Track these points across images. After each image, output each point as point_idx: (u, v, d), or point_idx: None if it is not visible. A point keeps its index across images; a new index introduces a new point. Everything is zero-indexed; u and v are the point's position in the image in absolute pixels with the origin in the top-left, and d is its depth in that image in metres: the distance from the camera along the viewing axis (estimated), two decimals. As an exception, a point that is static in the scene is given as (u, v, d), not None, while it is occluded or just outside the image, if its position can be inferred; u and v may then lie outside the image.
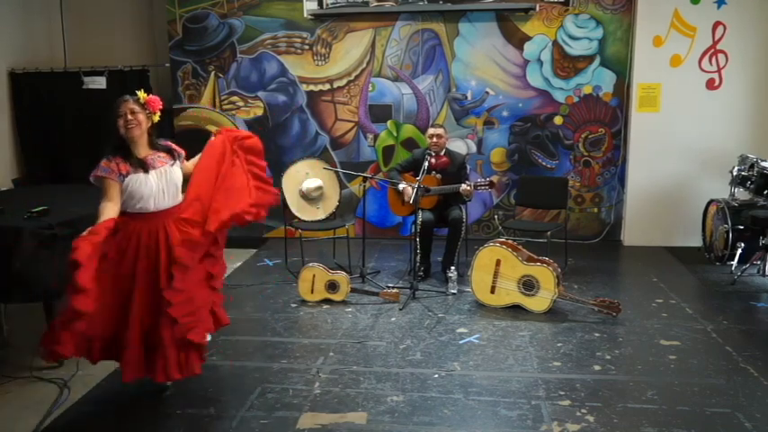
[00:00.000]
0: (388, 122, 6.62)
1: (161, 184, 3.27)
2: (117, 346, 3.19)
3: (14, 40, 6.51)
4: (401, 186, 5.20)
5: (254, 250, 6.38)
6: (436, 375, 3.63)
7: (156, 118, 3.33)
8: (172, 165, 3.36)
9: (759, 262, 5.29)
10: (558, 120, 6.43)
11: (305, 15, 6.48)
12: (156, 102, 3.32)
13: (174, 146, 3.49)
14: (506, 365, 3.76)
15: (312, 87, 6.63)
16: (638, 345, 4.05)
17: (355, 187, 6.67)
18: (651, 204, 6.34)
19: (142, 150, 3.29)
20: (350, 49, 6.53)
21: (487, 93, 6.46)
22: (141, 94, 3.29)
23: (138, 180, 3.20)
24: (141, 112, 3.24)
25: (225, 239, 3.48)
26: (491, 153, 6.55)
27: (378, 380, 3.58)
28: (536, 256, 4.64)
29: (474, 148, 6.56)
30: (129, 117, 3.20)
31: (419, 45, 6.46)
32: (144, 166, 3.23)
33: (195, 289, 3.25)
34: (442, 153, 5.37)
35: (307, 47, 6.57)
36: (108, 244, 3.09)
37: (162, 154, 3.36)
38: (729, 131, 6.15)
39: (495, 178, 5.34)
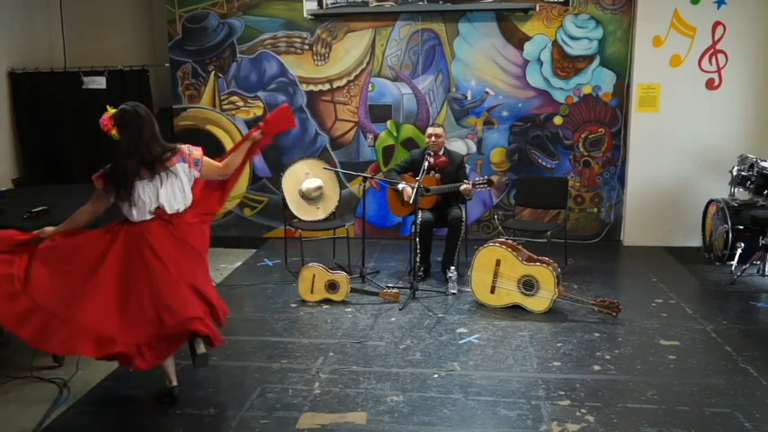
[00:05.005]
0: (388, 122, 6.62)
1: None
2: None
3: (14, 40, 6.52)
4: (401, 186, 5.21)
5: (254, 250, 6.38)
6: (436, 375, 3.64)
7: (114, 135, 3.10)
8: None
9: (759, 262, 5.28)
10: (557, 120, 6.43)
11: (305, 15, 6.47)
12: (103, 122, 3.10)
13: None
14: (506, 365, 3.76)
15: (312, 87, 6.63)
16: (638, 345, 4.05)
17: (355, 187, 6.67)
18: (651, 204, 6.34)
19: None
20: (350, 49, 6.53)
21: (487, 93, 6.46)
22: (110, 110, 3.12)
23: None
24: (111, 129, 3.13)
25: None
26: (491, 153, 6.55)
27: (378, 380, 3.58)
28: (536, 256, 4.64)
29: (474, 148, 6.56)
30: None
31: (419, 45, 6.46)
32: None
33: None
34: (441, 152, 5.38)
35: (306, 47, 6.57)
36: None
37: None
38: (729, 131, 6.15)
39: (494, 177, 5.34)
